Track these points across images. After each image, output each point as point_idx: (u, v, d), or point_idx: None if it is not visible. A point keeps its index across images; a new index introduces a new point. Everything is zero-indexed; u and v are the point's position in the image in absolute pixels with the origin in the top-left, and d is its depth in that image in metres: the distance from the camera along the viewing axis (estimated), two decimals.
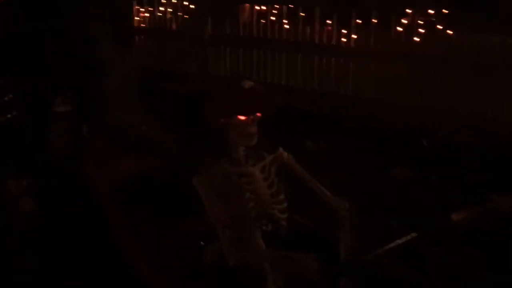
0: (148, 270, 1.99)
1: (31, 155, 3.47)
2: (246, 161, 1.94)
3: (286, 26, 5.74)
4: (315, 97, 5.44)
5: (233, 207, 1.89)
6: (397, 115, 4.73)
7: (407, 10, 5.08)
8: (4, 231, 2.93)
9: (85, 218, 2.60)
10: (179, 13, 6.91)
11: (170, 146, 2.91)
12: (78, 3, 3.86)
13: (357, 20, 5.19)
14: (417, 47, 4.79)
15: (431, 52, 4.67)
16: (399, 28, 4.98)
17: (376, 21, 5.06)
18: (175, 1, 6.92)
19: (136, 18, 7.09)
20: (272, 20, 5.96)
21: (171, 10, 6.97)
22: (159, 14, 7.02)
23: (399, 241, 2.02)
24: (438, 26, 4.92)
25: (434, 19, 5.04)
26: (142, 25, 7.20)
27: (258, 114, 1.87)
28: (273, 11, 6.01)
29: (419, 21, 4.93)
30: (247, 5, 6.55)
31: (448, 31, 4.89)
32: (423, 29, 4.89)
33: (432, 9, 5.10)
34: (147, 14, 7.13)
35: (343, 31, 5.29)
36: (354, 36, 5.23)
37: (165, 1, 7.00)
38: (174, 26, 6.94)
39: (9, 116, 3.89)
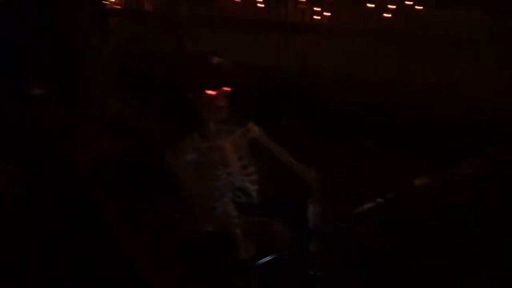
0: (128, 242, 2.06)
1: (6, 139, 3.47)
2: (217, 135, 2.01)
3: (260, 5, 5.79)
4: (291, 75, 5.51)
5: (205, 179, 1.97)
6: (369, 91, 4.84)
7: None
8: None
9: (65, 197, 2.64)
10: None
11: (147, 126, 2.95)
12: None
13: None
14: (387, 23, 4.89)
15: (400, 28, 4.78)
16: (370, 5, 5.07)
17: None
18: None
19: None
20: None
21: None
22: None
23: (366, 207, 2.14)
24: (407, 2, 5.02)
25: None
26: (116, 6, 7.14)
27: (227, 89, 1.94)
28: None
29: None
30: None
31: (417, 7, 4.99)
32: (393, 5, 4.98)
33: None
34: None
35: (316, 8, 5.36)
36: (327, 14, 5.31)
37: None
38: (150, 7, 6.92)
39: None
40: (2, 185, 3.16)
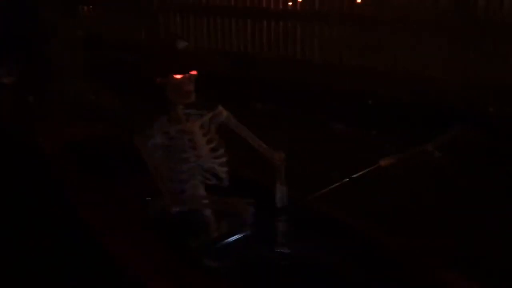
0: (97, 225, 2.09)
1: None
2: (186, 119, 2.05)
3: None
4: (265, 61, 5.56)
5: (174, 163, 2.01)
6: (343, 76, 4.91)
7: None
8: None
9: (35, 182, 2.66)
10: None
11: (116, 111, 2.98)
12: None
13: None
14: (358, 8, 4.96)
15: (371, 13, 4.84)
16: None
17: None
18: None
19: None
20: None
21: None
22: None
23: (332, 186, 2.21)
24: None
25: None
26: None
27: (194, 73, 1.98)
28: None
29: None
30: None
31: None
32: None
33: None
34: None
35: None
36: (299, 0, 5.35)
37: None
38: None
39: None
40: None
